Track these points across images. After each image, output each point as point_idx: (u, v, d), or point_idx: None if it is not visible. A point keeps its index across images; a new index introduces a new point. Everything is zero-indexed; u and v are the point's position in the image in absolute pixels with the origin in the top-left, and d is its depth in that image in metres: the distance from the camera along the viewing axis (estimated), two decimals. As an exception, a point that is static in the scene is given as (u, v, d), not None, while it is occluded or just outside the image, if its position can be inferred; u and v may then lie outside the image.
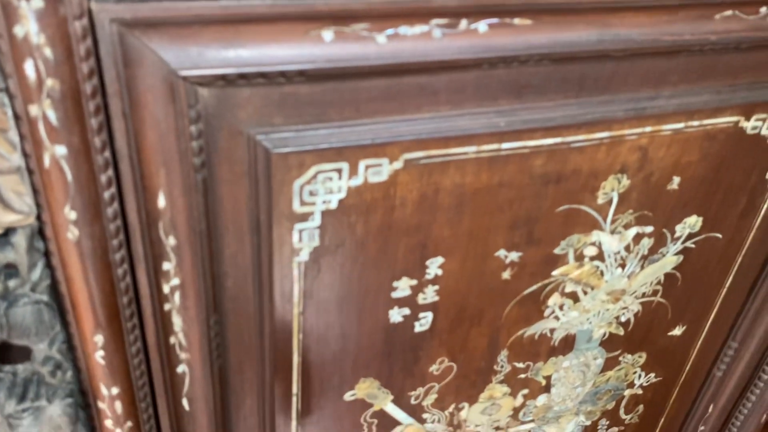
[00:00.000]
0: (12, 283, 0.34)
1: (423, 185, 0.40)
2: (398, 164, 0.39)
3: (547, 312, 0.52)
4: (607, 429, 0.66)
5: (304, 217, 0.39)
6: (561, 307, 0.52)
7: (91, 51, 0.30)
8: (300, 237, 0.39)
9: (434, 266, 0.45)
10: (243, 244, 0.39)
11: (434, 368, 0.51)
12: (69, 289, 0.36)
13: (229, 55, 0.32)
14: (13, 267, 0.35)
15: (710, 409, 0.71)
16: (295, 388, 0.47)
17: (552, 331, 0.54)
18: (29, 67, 0.29)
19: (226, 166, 0.36)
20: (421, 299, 0.46)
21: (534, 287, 0.50)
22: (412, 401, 0.53)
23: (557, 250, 0.48)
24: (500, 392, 0.56)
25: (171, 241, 0.37)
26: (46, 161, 0.31)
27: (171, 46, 0.31)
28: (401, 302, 0.46)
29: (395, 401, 0.52)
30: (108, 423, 0.42)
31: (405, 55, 0.35)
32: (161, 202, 0.35)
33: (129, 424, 0.42)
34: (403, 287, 0.45)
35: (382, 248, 0.42)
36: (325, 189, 0.38)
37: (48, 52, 0.29)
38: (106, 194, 0.34)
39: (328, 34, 0.33)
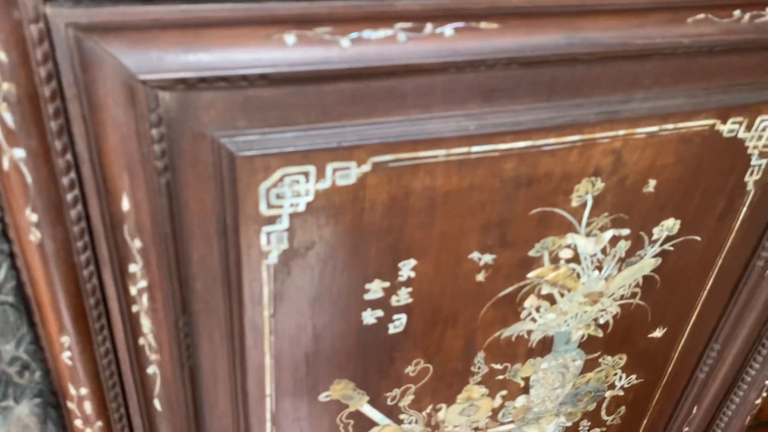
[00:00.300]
0: None
1: (392, 188, 0.40)
2: (366, 167, 0.39)
3: (523, 314, 0.52)
4: (588, 430, 0.66)
5: (272, 220, 0.39)
6: (537, 309, 0.52)
7: (48, 55, 0.30)
8: (268, 240, 0.39)
9: (406, 268, 0.45)
10: (211, 246, 0.39)
11: (410, 369, 0.51)
12: (34, 291, 0.36)
13: (189, 59, 0.32)
14: None
15: (694, 411, 0.71)
16: (268, 389, 0.47)
17: (529, 332, 0.54)
18: None
19: (190, 169, 0.36)
20: (395, 301, 0.46)
21: (509, 289, 0.50)
22: (389, 402, 0.53)
23: (532, 253, 0.48)
24: (478, 393, 0.56)
25: (137, 243, 0.37)
26: (5, 164, 0.31)
27: (130, 51, 0.31)
28: (374, 304, 0.46)
29: (371, 402, 0.52)
30: (78, 423, 0.42)
31: (369, 59, 0.35)
32: (125, 205, 0.35)
33: (99, 423, 0.42)
34: (375, 289, 0.45)
35: (353, 251, 0.42)
36: (292, 192, 0.38)
37: (2, 55, 0.28)
38: (69, 196, 0.34)
39: (290, 37, 0.33)
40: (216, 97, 0.34)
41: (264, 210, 0.38)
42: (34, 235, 0.34)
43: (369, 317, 0.46)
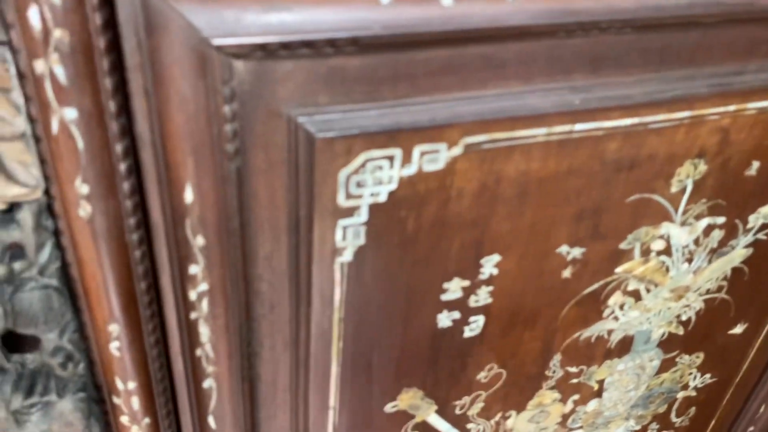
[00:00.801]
0: (18, 266, 0.30)
1: (483, 174, 0.35)
2: (457, 150, 0.33)
3: (606, 312, 0.47)
4: None
5: (350, 212, 0.34)
6: (621, 307, 0.47)
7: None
8: (344, 235, 0.34)
9: (489, 265, 0.40)
10: (279, 243, 0.34)
11: (482, 376, 0.46)
12: (81, 273, 0.31)
13: (270, 20, 0.26)
14: (18, 247, 0.30)
15: (761, 410, 0.67)
16: (332, 401, 0.42)
17: (610, 332, 0.49)
18: (33, 15, 0.24)
19: (262, 153, 0.30)
20: (473, 302, 0.41)
21: (595, 286, 0.45)
22: (457, 411, 0.48)
23: (623, 245, 0.43)
24: (550, 398, 0.51)
25: (199, 241, 0.32)
26: (54, 126, 0.27)
27: (202, 10, 0.25)
28: (451, 305, 0.41)
29: (439, 411, 0.47)
30: (124, 419, 0.37)
31: (473, 20, 0.30)
32: (188, 196, 0.30)
33: (147, 420, 0.38)
34: (454, 289, 0.40)
35: (434, 246, 0.37)
36: (374, 179, 0.33)
37: None
38: (122, 166, 0.29)
39: None
40: (296, 67, 0.29)
41: (342, 201, 0.33)
42: (84, 210, 0.29)
43: (444, 320, 0.41)
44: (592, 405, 0.54)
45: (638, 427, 0.60)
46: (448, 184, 0.35)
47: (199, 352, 0.36)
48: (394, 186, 0.34)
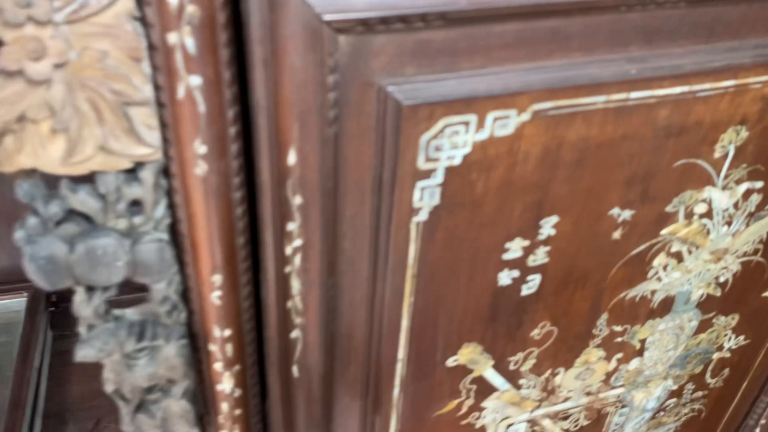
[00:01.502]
0: (137, 221, 0.33)
1: (548, 139, 0.38)
2: (526, 116, 0.37)
3: (650, 273, 0.50)
4: (692, 393, 0.65)
5: (427, 175, 0.37)
6: (665, 268, 0.50)
7: None
8: (421, 195, 0.37)
9: (548, 226, 0.43)
10: (363, 204, 0.37)
11: (536, 333, 0.49)
12: (190, 227, 0.34)
13: None
14: (138, 204, 0.33)
15: (791, 372, 0.70)
16: (401, 354, 0.45)
17: (653, 293, 0.52)
18: None
19: (354, 120, 0.34)
20: (531, 261, 0.44)
21: (642, 247, 0.48)
22: (511, 367, 0.51)
23: (669, 208, 0.46)
24: (596, 356, 0.54)
25: (297, 200, 0.35)
26: (180, 92, 0.30)
27: None
28: (511, 264, 0.44)
29: (495, 366, 0.50)
30: (217, 366, 0.41)
31: None
32: (291, 159, 0.33)
33: (237, 367, 0.41)
34: (515, 248, 0.43)
35: (500, 207, 0.40)
36: (450, 144, 0.36)
37: None
38: (232, 130, 0.32)
39: None
40: (388, 41, 0.32)
41: (421, 164, 0.36)
42: (201, 168, 0.32)
43: (505, 278, 0.44)
44: (634, 364, 0.57)
45: (675, 387, 0.63)
46: (516, 149, 0.38)
47: (289, 304, 0.39)
48: (468, 150, 0.37)
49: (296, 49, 0.30)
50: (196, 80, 0.30)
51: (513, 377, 0.52)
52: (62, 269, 0.33)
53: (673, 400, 0.64)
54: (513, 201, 0.41)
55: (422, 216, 0.39)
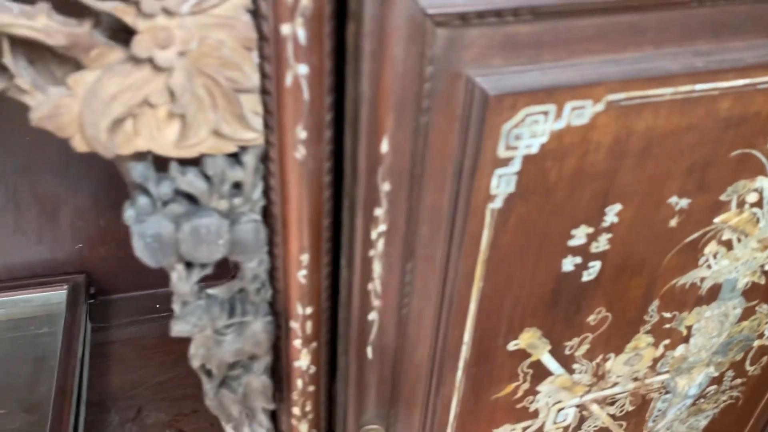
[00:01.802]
0: (236, 202, 0.35)
1: (618, 128, 0.40)
2: (600, 106, 0.38)
3: (701, 261, 0.52)
4: (731, 380, 0.66)
5: (505, 162, 0.38)
6: (715, 256, 0.52)
7: None
8: (498, 183, 0.39)
9: (611, 214, 0.44)
10: (443, 190, 0.39)
11: (591, 318, 0.51)
12: (283, 209, 0.36)
13: None
14: (237, 186, 0.35)
15: (825, 362, 0.71)
16: (466, 337, 0.47)
17: (702, 280, 0.53)
18: None
19: (442, 109, 0.35)
20: (594, 248, 0.45)
21: (695, 235, 0.49)
22: (566, 351, 0.52)
23: (723, 197, 0.47)
24: (645, 342, 0.56)
25: (386, 186, 0.37)
26: (288, 80, 0.32)
27: None
28: (575, 251, 0.45)
29: (551, 351, 0.52)
30: (296, 343, 0.42)
31: None
32: (384, 146, 0.35)
33: (314, 344, 0.43)
34: (580, 235, 0.44)
35: (569, 195, 0.42)
36: (530, 132, 0.37)
37: None
38: (327, 117, 0.34)
39: None
40: (480, 34, 0.33)
41: (501, 152, 0.38)
42: (300, 153, 0.34)
43: (568, 264, 0.46)
44: (680, 350, 0.59)
45: (716, 374, 0.64)
46: (589, 138, 0.40)
47: (369, 286, 0.41)
48: (545, 138, 0.38)
49: (399, 41, 0.31)
50: (303, 69, 0.32)
51: (567, 362, 0.54)
52: (167, 247, 0.34)
53: (714, 387, 0.66)
54: (582, 189, 0.42)
55: (497, 203, 0.40)
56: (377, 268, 0.40)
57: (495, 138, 0.37)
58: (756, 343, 0.64)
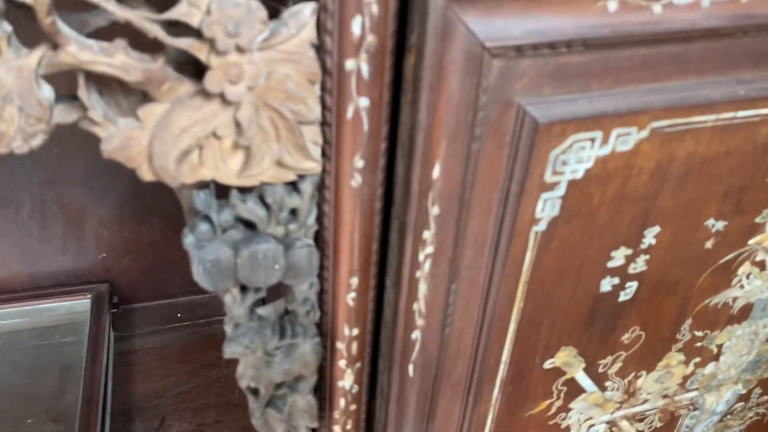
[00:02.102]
0: (292, 227, 0.36)
1: (661, 154, 0.40)
2: (645, 133, 0.39)
3: (734, 281, 0.52)
4: (758, 397, 0.67)
5: (551, 187, 0.39)
6: (748, 276, 0.52)
7: (396, 10, 0.31)
8: (543, 207, 0.40)
9: (650, 236, 0.45)
10: (489, 214, 0.39)
11: (626, 337, 0.51)
12: (335, 234, 0.37)
13: (527, 26, 0.32)
14: (293, 212, 0.36)
15: None
16: (505, 356, 0.48)
17: (734, 299, 0.54)
18: (356, 24, 0.30)
19: (493, 137, 0.36)
20: (631, 269, 0.46)
21: (730, 256, 0.50)
22: (600, 369, 0.53)
23: (758, 219, 0.48)
24: (676, 360, 0.56)
25: (435, 210, 0.37)
26: (350, 113, 0.33)
27: (480, 19, 0.31)
28: (614, 272, 0.46)
29: (586, 369, 0.52)
30: (341, 363, 0.43)
31: (675, 24, 0.35)
32: (436, 172, 0.36)
33: (358, 365, 0.44)
34: (619, 257, 0.45)
35: (610, 218, 0.42)
36: (576, 158, 0.38)
37: (375, 8, 0.30)
38: (383, 146, 0.35)
39: (612, 4, 0.33)
40: (532, 64, 0.34)
41: (548, 176, 0.38)
42: (356, 180, 0.35)
43: (606, 284, 0.46)
44: (710, 368, 0.59)
45: (744, 391, 0.65)
46: (632, 164, 0.40)
47: (414, 306, 0.42)
48: (590, 164, 0.39)
49: (457, 73, 0.32)
50: (364, 102, 0.33)
51: (600, 379, 0.54)
52: (225, 272, 0.35)
53: (741, 403, 0.66)
54: (623, 212, 0.43)
55: (541, 226, 0.41)
56: (423, 288, 0.40)
57: (542, 163, 0.38)
58: (784, 360, 0.64)
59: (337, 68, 0.31)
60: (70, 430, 0.87)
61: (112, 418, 0.95)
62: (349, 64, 0.31)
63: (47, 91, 0.28)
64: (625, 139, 0.39)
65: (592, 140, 0.38)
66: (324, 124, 0.33)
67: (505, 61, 0.33)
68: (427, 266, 0.40)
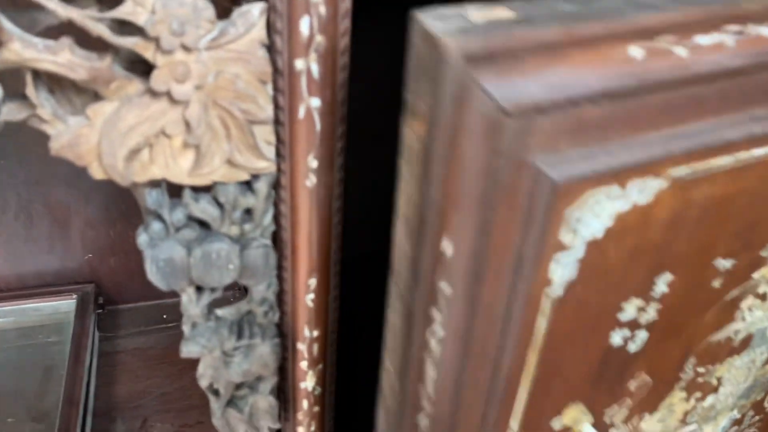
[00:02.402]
0: (247, 227, 0.37)
1: (678, 202, 0.37)
2: (664, 182, 0.35)
3: (737, 315, 0.51)
4: (751, 418, 0.64)
5: (567, 248, 0.35)
6: (750, 309, 0.52)
7: (348, 10, 0.31)
8: (558, 269, 0.36)
9: (662, 283, 0.42)
10: (501, 283, 0.35)
11: (632, 384, 0.48)
12: (293, 234, 0.37)
13: (548, 82, 0.29)
14: (248, 212, 0.37)
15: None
16: (513, 423, 0.44)
17: (736, 332, 0.53)
18: (304, 25, 0.31)
19: (506, 200, 0.32)
20: (643, 319, 0.43)
21: (735, 292, 0.47)
22: (606, 419, 0.50)
23: (763, 252, 0.45)
24: (678, 398, 0.55)
25: (447, 289, 0.34)
26: (301, 113, 0.33)
27: (499, 80, 0.28)
28: (625, 324, 0.43)
29: (593, 423, 0.49)
30: (303, 364, 0.43)
31: (702, 65, 0.33)
32: (448, 249, 0.32)
33: (320, 366, 0.44)
34: (630, 309, 0.42)
35: (625, 271, 0.39)
36: (593, 215, 0.35)
37: (322, 9, 0.29)
38: (339, 146, 0.36)
39: (638, 51, 0.31)
40: (549, 121, 0.30)
41: (564, 237, 0.34)
42: (311, 180, 0.36)
43: (617, 337, 0.43)
44: (710, 400, 0.57)
45: (739, 416, 0.62)
46: (650, 215, 0.37)
47: (422, 391, 0.38)
48: (608, 221, 0.35)
49: (472, 140, 0.28)
50: (316, 102, 0.33)
51: (605, 428, 0.51)
52: (179, 271, 0.37)
53: (735, 427, 0.64)
54: (637, 264, 0.39)
55: (557, 290, 0.37)
56: (431, 372, 0.37)
57: (558, 224, 0.34)
58: (775, 382, 0.63)
59: (288, 68, 0.31)
60: (51, 430, 0.87)
61: (94, 418, 0.96)
62: (299, 63, 0.31)
63: (-6, 88, 0.31)
64: (645, 192, 0.35)
65: (611, 196, 0.34)
66: (278, 123, 0.33)
67: (523, 121, 0.29)
68: (437, 350, 0.36)
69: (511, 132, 0.29)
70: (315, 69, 0.33)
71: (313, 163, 0.35)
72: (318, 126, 0.34)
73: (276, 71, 0.33)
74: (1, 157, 1.00)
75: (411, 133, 0.29)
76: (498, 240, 0.33)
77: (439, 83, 0.27)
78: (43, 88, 0.31)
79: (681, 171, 0.36)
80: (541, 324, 0.38)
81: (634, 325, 0.43)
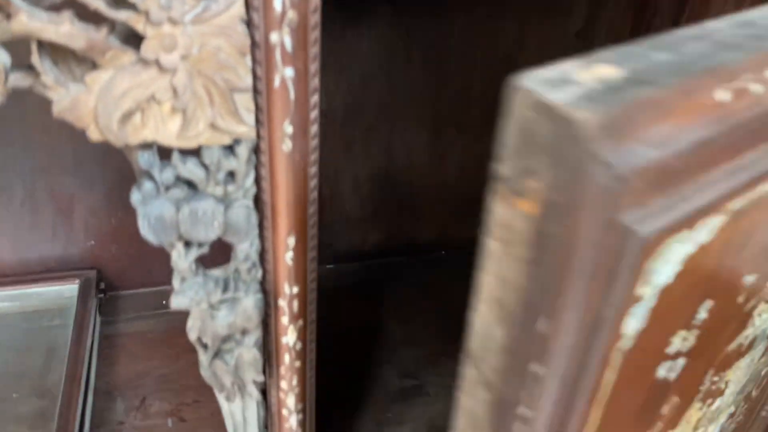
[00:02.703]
0: (230, 188, 0.42)
1: (731, 232, 0.37)
2: (725, 217, 0.35)
3: (749, 322, 0.49)
4: (742, 408, 0.66)
5: (641, 299, 0.34)
6: (760, 314, 0.57)
7: None
8: (631, 322, 0.35)
9: (703, 311, 0.41)
10: (578, 337, 0.34)
11: (665, 409, 0.49)
12: (272, 196, 0.41)
13: (653, 140, 0.28)
14: (231, 174, 0.42)
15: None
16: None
17: (746, 338, 0.58)
18: (278, 1, 0.35)
19: (600, 264, 0.31)
20: (684, 347, 0.43)
21: (753, 302, 0.47)
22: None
23: (778, 261, 0.40)
24: (695, 409, 0.52)
25: (540, 371, 0.33)
26: (276, 82, 0.37)
27: (617, 147, 0.27)
28: (670, 356, 0.43)
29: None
30: (284, 320, 0.47)
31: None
32: (545, 329, 0.31)
33: (300, 322, 0.46)
34: (676, 342, 0.42)
35: (680, 308, 0.39)
36: (665, 262, 0.33)
37: None
38: (312, 114, 0.39)
39: (725, 94, 0.30)
40: (640, 178, 0.30)
41: (639, 290, 0.34)
42: (287, 145, 0.39)
43: (662, 370, 0.43)
44: (717, 403, 0.62)
45: (734, 409, 0.64)
46: (709, 250, 0.36)
47: None
48: (679, 265, 0.34)
49: (588, 212, 0.28)
50: (290, 72, 0.37)
51: None
52: (168, 227, 0.45)
53: (730, 419, 0.65)
54: (691, 299, 0.39)
55: (626, 342, 0.36)
56: None
57: (638, 279, 0.33)
58: (764, 372, 0.65)
59: (264, 41, 0.32)
60: (54, 407, 0.94)
61: (95, 396, 1.02)
62: (274, 36, 0.35)
63: (3, 57, 0.39)
64: (710, 230, 0.34)
65: (682, 240, 0.33)
66: (256, 92, 0.33)
67: (624, 183, 0.28)
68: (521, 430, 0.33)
69: (614, 197, 0.28)
70: (288, 42, 0.36)
71: (289, 129, 0.43)
72: (292, 94, 0.41)
73: (254, 44, 0.39)
74: (6, 145, 1.01)
75: (513, 212, 0.28)
76: (576, 296, 0.32)
77: (562, 159, 0.25)
78: (47, 58, 0.40)
79: (738, 203, 0.35)
80: (610, 379, 0.37)
81: (677, 355, 0.43)
